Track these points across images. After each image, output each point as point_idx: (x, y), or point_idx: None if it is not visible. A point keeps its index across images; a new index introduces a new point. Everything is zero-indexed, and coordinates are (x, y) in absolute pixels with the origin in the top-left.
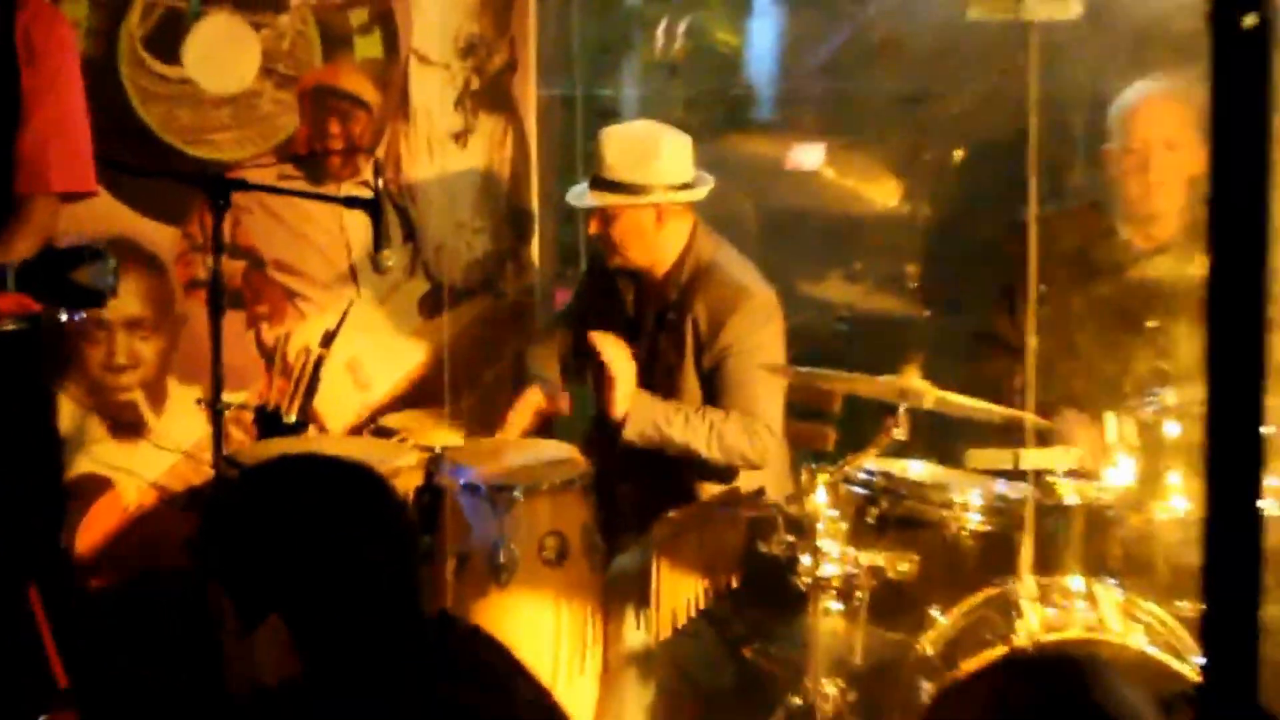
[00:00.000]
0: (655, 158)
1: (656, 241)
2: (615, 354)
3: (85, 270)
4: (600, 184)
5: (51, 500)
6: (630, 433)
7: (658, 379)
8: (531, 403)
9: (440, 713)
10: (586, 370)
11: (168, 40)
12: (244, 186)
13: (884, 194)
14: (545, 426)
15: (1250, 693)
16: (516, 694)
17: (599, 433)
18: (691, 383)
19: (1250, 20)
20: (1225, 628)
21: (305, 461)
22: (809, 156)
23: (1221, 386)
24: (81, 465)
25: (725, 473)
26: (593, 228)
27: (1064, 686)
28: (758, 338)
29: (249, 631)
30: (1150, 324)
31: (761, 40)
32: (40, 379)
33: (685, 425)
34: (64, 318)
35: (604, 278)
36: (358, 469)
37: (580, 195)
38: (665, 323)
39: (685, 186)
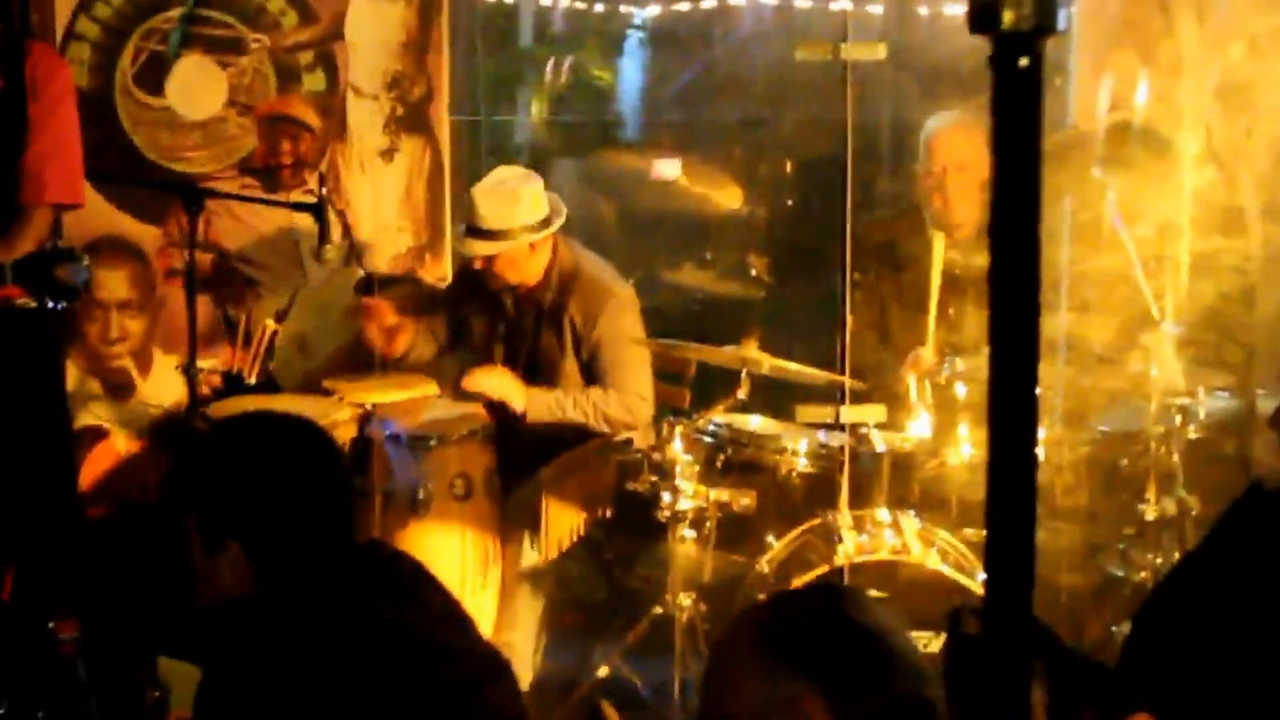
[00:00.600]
0: (515, 206)
1: (528, 265)
2: (489, 382)
3: (64, 268)
4: (475, 231)
5: (64, 446)
6: (533, 422)
7: (544, 367)
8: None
9: (370, 622)
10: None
11: (153, 76)
12: (213, 194)
13: (729, 199)
14: None
15: (1026, 605)
16: (432, 605)
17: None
18: (572, 368)
19: (1024, 61)
20: (1005, 551)
21: (260, 416)
22: (668, 169)
23: (1002, 355)
24: (83, 419)
25: (597, 431)
26: (478, 263)
27: (824, 608)
28: (623, 325)
29: (213, 555)
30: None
31: (629, 75)
32: (57, 352)
33: (574, 408)
34: (50, 305)
35: (482, 288)
36: (303, 422)
37: (461, 240)
38: (545, 323)
39: (544, 223)
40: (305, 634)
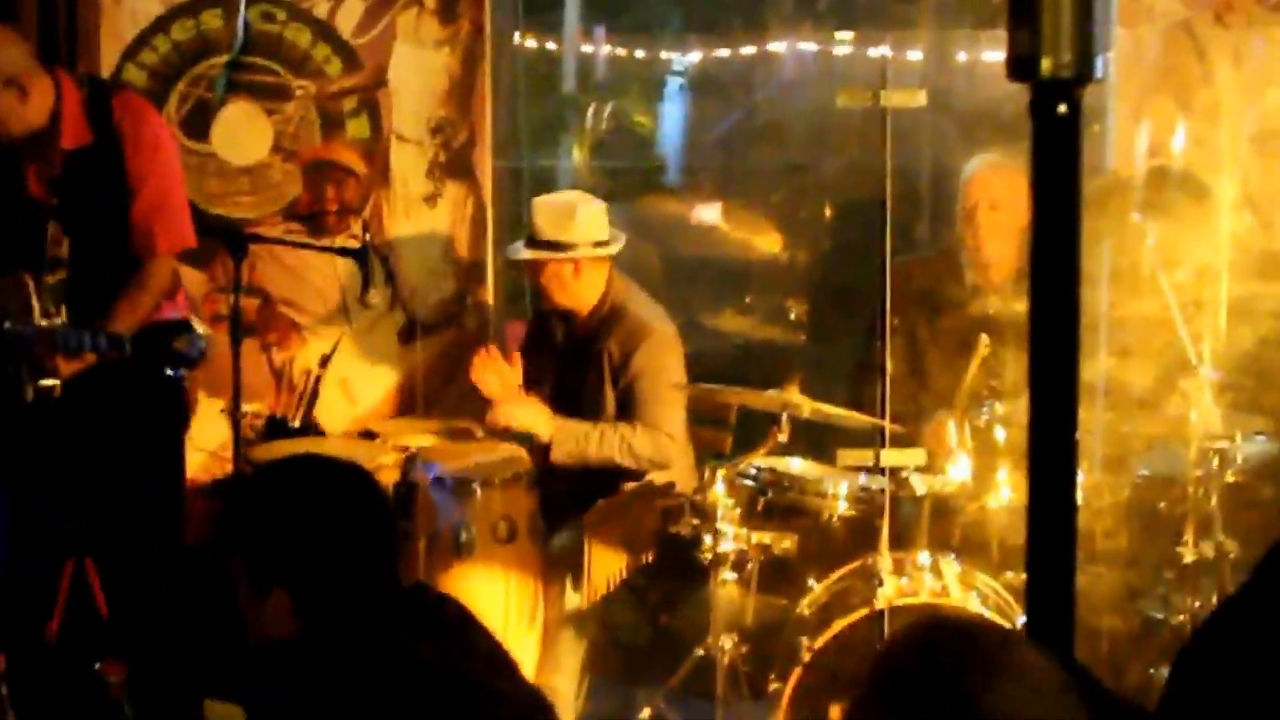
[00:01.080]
0: (574, 221)
1: (575, 288)
2: (516, 414)
3: (182, 340)
4: (532, 243)
5: (177, 507)
6: (557, 454)
7: (584, 398)
8: (493, 362)
9: (415, 665)
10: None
11: (199, 122)
12: (258, 239)
13: (769, 244)
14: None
15: (1066, 647)
16: (477, 648)
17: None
18: (610, 402)
19: (1063, 109)
20: (1045, 594)
21: (306, 460)
22: (708, 214)
23: (1042, 400)
24: None
25: (639, 473)
26: (527, 276)
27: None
28: (660, 364)
29: (259, 598)
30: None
31: (670, 121)
32: (181, 418)
33: (601, 441)
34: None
35: (542, 318)
36: (348, 465)
37: (517, 250)
38: (586, 353)
39: (600, 244)
40: (351, 676)
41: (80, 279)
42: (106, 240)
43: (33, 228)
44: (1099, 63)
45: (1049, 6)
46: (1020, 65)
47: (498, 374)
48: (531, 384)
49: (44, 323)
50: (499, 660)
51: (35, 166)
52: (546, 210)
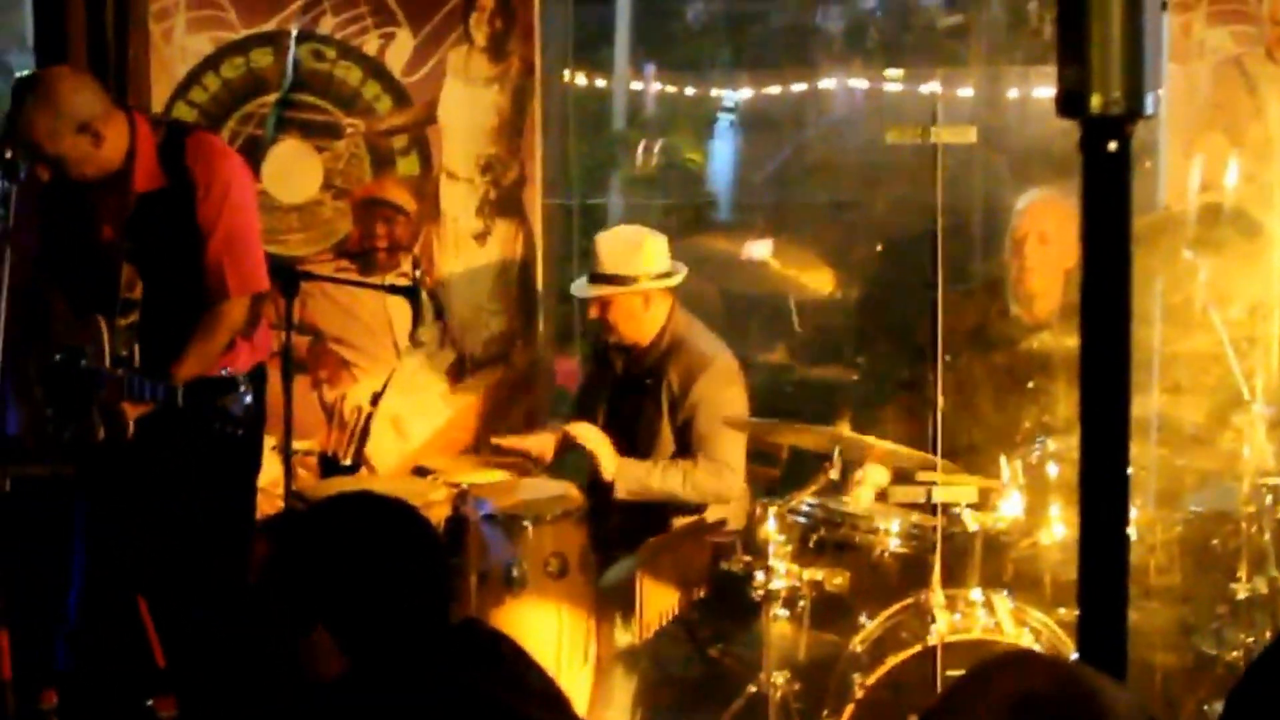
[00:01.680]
0: (639, 253)
1: (644, 321)
2: (590, 437)
3: (227, 397)
4: (596, 278)
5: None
6: (620, 492)
7: (642, 430)
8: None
9: (466, 700)
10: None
11: (249, 160)
12: (309, 277)
13: (820, 281)
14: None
15: (1119, 682)
16: (528, 682)
17: (592, 491)
18: (667, 433)
19: (1113, 145)
20: (1097, 630)
21: (356, 498)
22: (760, 251)
23: (1094, 436)
24: None
25: (697, 507)
26: (592, 312)
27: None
28: (720, 397)
29: (306, 636)
30: (1033, 385)
31: (721, 158)
32: (255, 456)
33: (663, 477)
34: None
35: (601, 351)
36: (397, 503)
37: (581, 288)
38: (645, 386)
39: (664, 275)
40: (403, 714)
41: (153, 321)
42: (179, 283)
43: (106, 270)
44: (1149, 99)
45: (1098, 43)
46: (1070, 102)
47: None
48: (587, 415)
49: (113, 369)
50: (551, 697)
51: (108, 209)
52: (610, 244)
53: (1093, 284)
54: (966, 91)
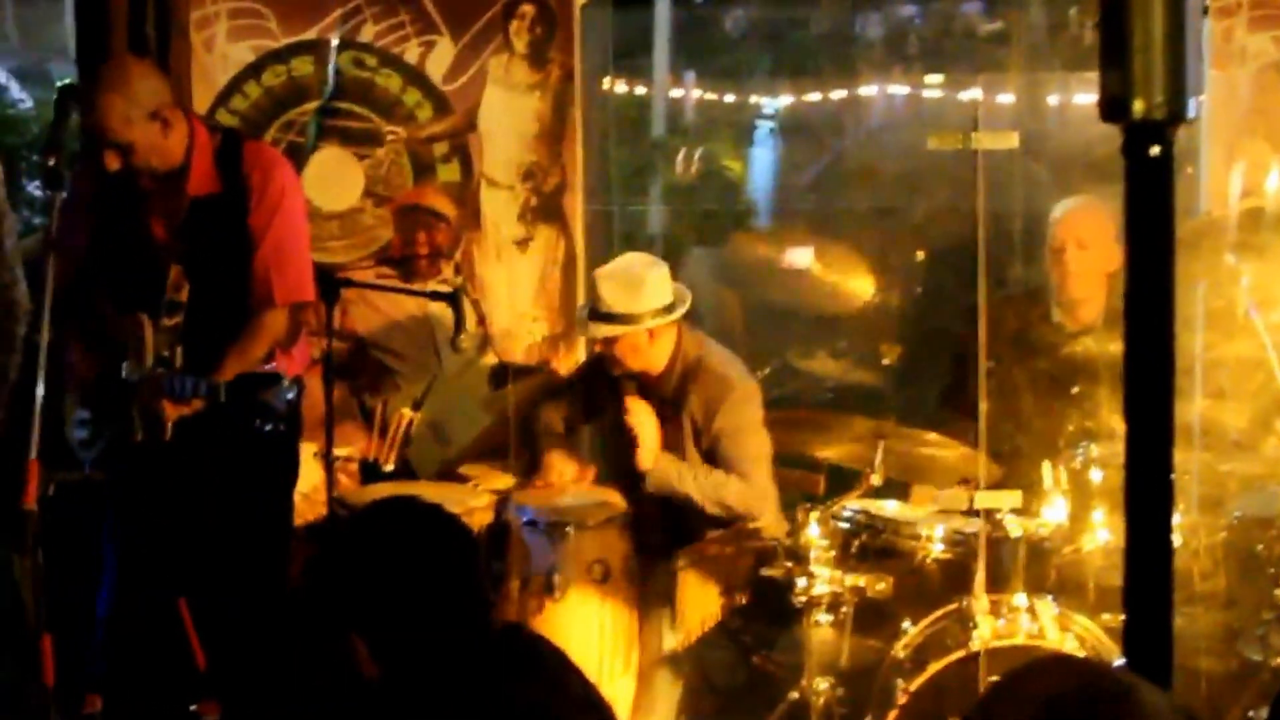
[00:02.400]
0: (640, 292)
1: (649, 353)
2: (643, 419)
3: (269, 392)
4: (599, 316)
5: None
6: (651, 484)
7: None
8: (567, 470)
9: (507, 705)
10: (598, 429)
11: None
12: (350, 284)
13: (861, 288)
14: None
15: (1164, 688)
16: (570, 688)
17: (615, 476)
18: (694, 459)
19: (1155, 150)
20: (1142, 636)
21: (395, 504)
22: (800, 258)
23: (1137, 441)
24: None
25: (726, 521)
26: (598, 346)
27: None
28: (743, 420)
29: (347, 640)
30: (1076, 391)
31: (760, 165)
32: (292, 466)
33: (694, 483)
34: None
35: (607, 375)
36: (435, 509)
37: (583, 324)
38: (665, 414)
39: (668, 309)
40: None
41: (197, 325)
42: (226, 288)
43: (153, 271)
44: (1191, 104)
45: (1140, 49)
46: (1112, 107)
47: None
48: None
49: (154, 368)
50: (592, 702)
51: (161, 210)
52: (610, 282)
53: (1136, 286)
54: (1008, 98)
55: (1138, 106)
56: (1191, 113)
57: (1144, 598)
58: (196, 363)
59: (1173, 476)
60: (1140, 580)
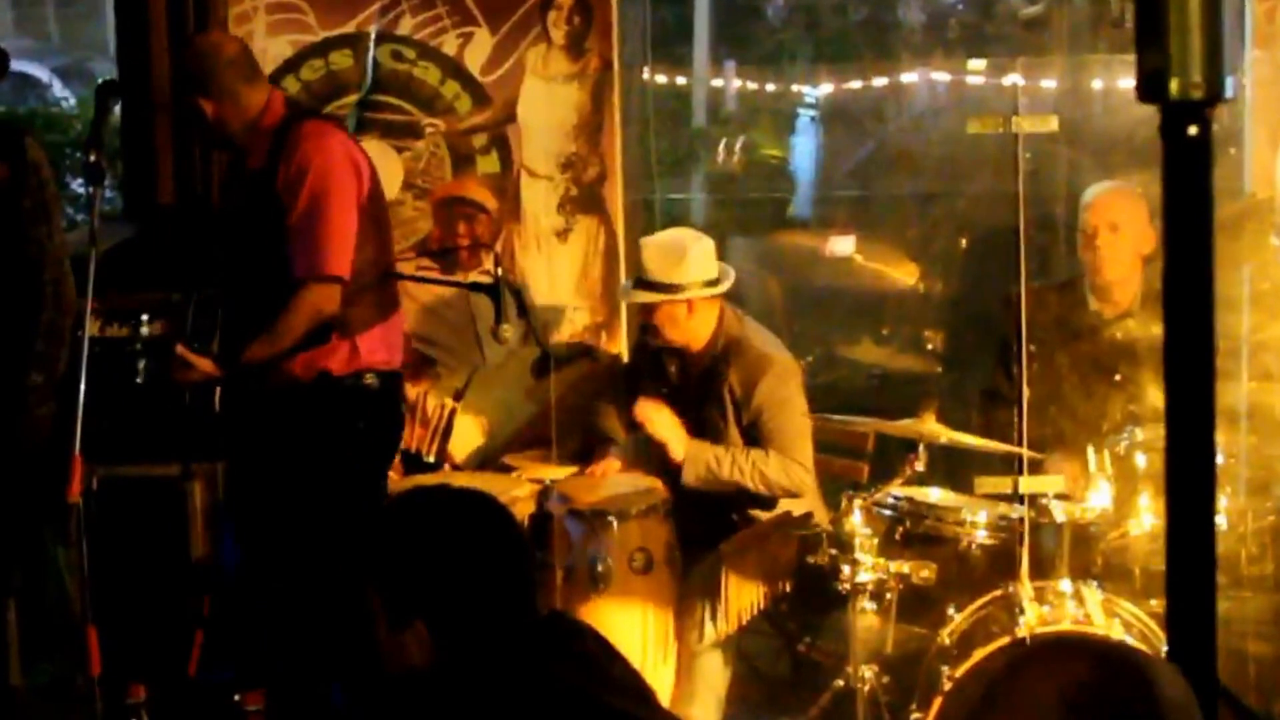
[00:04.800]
0: (684, 262)
1: (689, 326)
2: (657, 419)
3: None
4: (642, 284)
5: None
6: (688, 476)
7: (707, 435)
8: (613, 468)
9: (552, 692)
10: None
11: None
12: (390, 276)
13: (904, 274)
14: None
15: (1208, 671)
16: (612, 672)
17: (662, 475)
18: (735, 436)
19: (1193, 130)
20: (1186, 621)
21: (437, 491)
22: (843, 245)
23: (1179, 424)
24: None
25: (770, 501)
26: (639, 314)
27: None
28: (784, 394)
29: (398, 631)
30: (1120, 376)
31: (802, 153)
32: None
33: (733, 465)
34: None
35: (651, 353)
36: (481, 495)
37: (627, 292)
38: (707, 390)
39: (710, 283)
40: (492, 705)
41: (238, 301)
42: (264, 262)
43: (205, 244)
44: (1229, 83)
45: (1177, 27)
46: (1149, 86)
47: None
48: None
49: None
50: (636, 689)
51: (226, 180)
52: (655, 251)
53: (1175, 268)
54: (1050, 83)
55: (1174, 86)
56: (1229, 92)
57: (1187, 582)
58: (236, 339)
59: (1218, 460)
60: (1183, 564)
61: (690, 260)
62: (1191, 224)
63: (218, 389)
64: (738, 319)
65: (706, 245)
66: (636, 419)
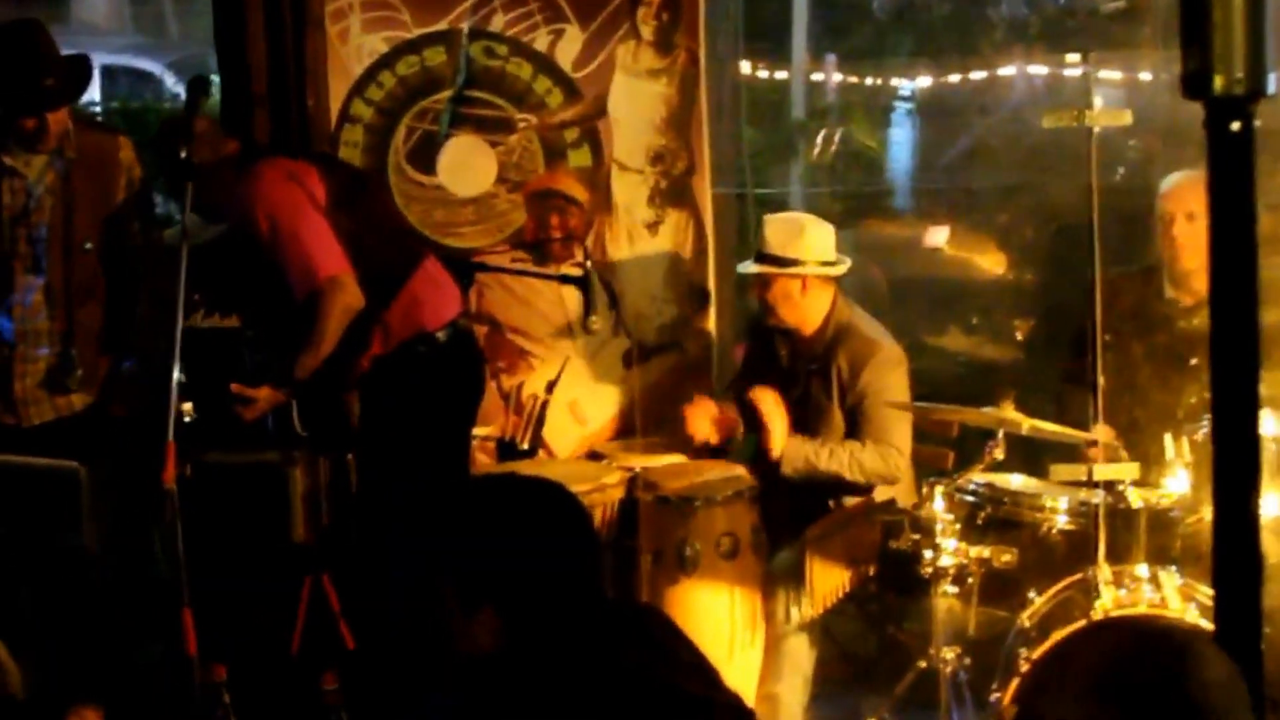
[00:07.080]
0: (801, 238)
1: (801, 305)
2: (770, 407)
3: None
4: (761, 258)
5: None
6: (786, 469)
7: (810, 415)
8: (706, 407)
9: (619, 676)
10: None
11: (424, 155)
12: (485, 268)
13: (993, 264)
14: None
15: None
16: (679, 657)
17: (758, 469)
18: (838, 418)
19: (1236, 125)
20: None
21: (509, 480)
22: (935, 236)
23: (1224, 416)
24: None
25: (866, 488)
26: (754, 291)
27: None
28: (887, 380)
29: (469, 617)
30: (1196, 363)
31: (898, 145)
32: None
33: (830, 457)
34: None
35: (764, 338)
36: (550, 485)
37: (745, 265)
38: (814, 372)
39: (827, 264)
40: (562, 689)
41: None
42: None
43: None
44: (1271, 79)
45: (1220, 25)
46: (1193, 83)
47: (710, 416)
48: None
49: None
50: (702, 669)
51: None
52: (777, 227)
53: (1220, 260)
54: (1146, 75)
55: (1218, 82)
56: (1272, 88)
57: (1232, 572)
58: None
59: (1272, 449)
60: (1228, 554)
61: (808, 238)
62: (1235, 217)
63: (294, 408)
64: (850, 307)
65: (826, 228)
66: (753, 398)
